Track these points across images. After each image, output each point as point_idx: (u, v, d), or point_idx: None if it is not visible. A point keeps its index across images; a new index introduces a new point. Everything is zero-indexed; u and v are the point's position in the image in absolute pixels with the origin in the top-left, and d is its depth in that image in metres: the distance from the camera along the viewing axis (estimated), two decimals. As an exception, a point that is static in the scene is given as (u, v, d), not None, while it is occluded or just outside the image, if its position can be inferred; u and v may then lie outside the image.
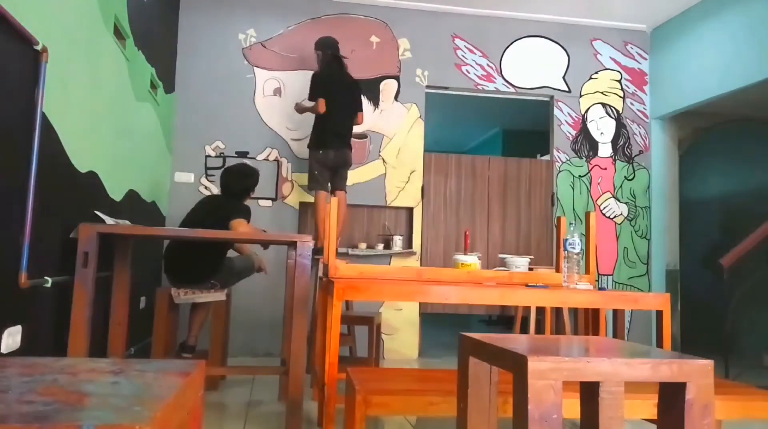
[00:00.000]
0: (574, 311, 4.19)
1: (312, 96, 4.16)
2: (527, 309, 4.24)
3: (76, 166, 2.60)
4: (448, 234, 5.10)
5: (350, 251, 4.73)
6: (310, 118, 4.25)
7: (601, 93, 5.37)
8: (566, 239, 2.54)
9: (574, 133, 5.29)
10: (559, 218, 3.08)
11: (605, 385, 1.17)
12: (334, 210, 2.65)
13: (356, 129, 4.37)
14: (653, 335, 5.05)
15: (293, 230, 4.76)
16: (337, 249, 3.61)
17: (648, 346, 2.14)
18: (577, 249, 2.51)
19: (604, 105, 5.36)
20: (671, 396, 1.20)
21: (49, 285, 2.27)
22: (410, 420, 2.97)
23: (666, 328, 2.43)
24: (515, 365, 1.14)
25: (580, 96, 5.33)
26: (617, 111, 5.38)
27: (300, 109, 4.35)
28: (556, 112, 5.29)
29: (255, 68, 4.86)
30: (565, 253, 2.55)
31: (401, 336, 4.85)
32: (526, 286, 2.61)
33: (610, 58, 5.40)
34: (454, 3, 5.07)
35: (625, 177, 5.33)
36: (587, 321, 2.86)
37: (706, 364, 1.19)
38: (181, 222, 3.43)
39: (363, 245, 4.84)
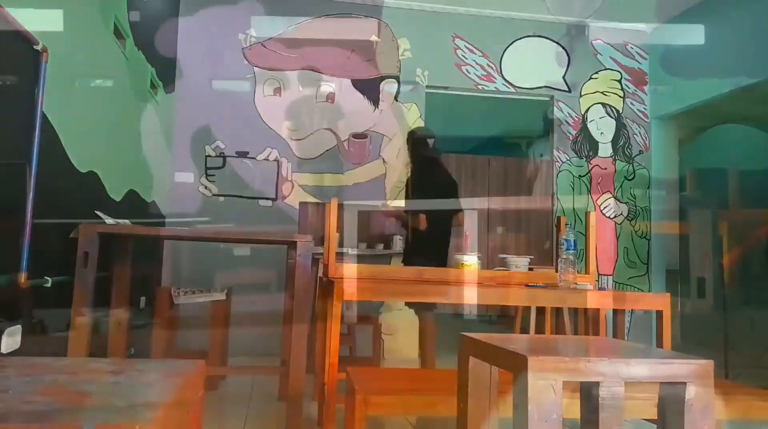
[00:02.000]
0: (574, 311, 4.18)
1: None
2: (527, 309, 4.23)
3: (76, 166, 2.60)
4: (448, 234, 5.09)
5: (350, 251, 4.73)
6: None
7: (601, 93, 5.36)
8: (562, 239, 2.54)
9: (574, 133, 5.29)
10: (559, 218, 3.08)
11: (605, 385, 1.17)
12: (334, 211, 2.65)
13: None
14: (653, 335, 5.04)
15: (293, 230, 4.76)
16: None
17: (648, 346, 2.14)
18: (572, 249, 2.51)
19: (604, 105, 5.36)
20: (671, 396, 1.20)
21: (49, 285, 2.27)
22: (410, 420, 2.96)
23: (666, 328, 2.43)
24: (515, 365, 1.14)
25: (580, 96, 5.33)
26: (617, 111, 5.37)
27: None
28: (556, 112, 5.29)
29: (255, 68, 4.85)
30: (565, 254, 2.55)
31: (401, 336, 4.84)
32: (526, 286, 2.61)
33: (610, 58, 5.40)
34: (454, 3, 5.06)
35: (625, 177, 5.33)
36: (587, 321, 2.86)
37: (706, 364, 1.19)
38: None
39: (363, 245, 4.84)
